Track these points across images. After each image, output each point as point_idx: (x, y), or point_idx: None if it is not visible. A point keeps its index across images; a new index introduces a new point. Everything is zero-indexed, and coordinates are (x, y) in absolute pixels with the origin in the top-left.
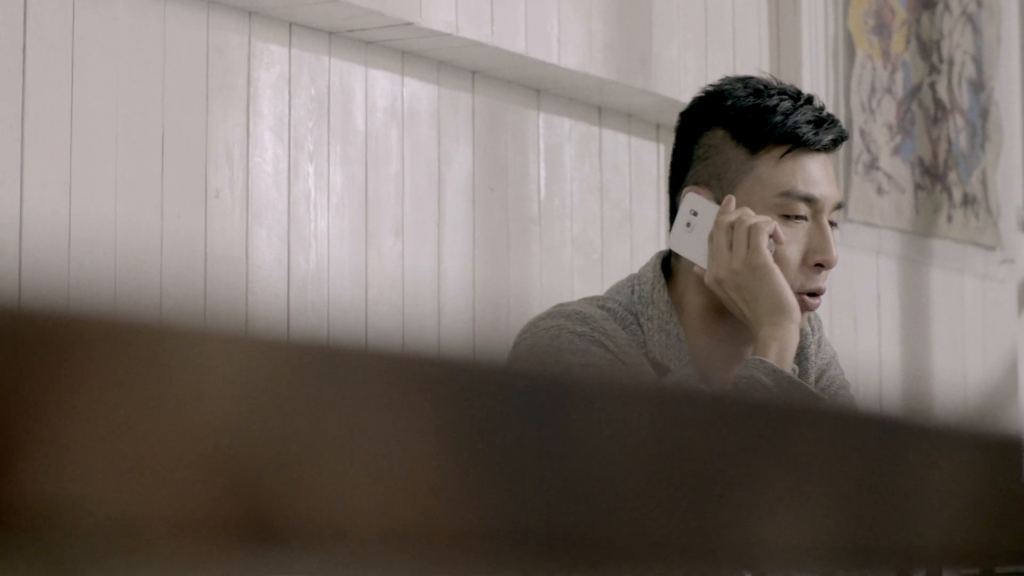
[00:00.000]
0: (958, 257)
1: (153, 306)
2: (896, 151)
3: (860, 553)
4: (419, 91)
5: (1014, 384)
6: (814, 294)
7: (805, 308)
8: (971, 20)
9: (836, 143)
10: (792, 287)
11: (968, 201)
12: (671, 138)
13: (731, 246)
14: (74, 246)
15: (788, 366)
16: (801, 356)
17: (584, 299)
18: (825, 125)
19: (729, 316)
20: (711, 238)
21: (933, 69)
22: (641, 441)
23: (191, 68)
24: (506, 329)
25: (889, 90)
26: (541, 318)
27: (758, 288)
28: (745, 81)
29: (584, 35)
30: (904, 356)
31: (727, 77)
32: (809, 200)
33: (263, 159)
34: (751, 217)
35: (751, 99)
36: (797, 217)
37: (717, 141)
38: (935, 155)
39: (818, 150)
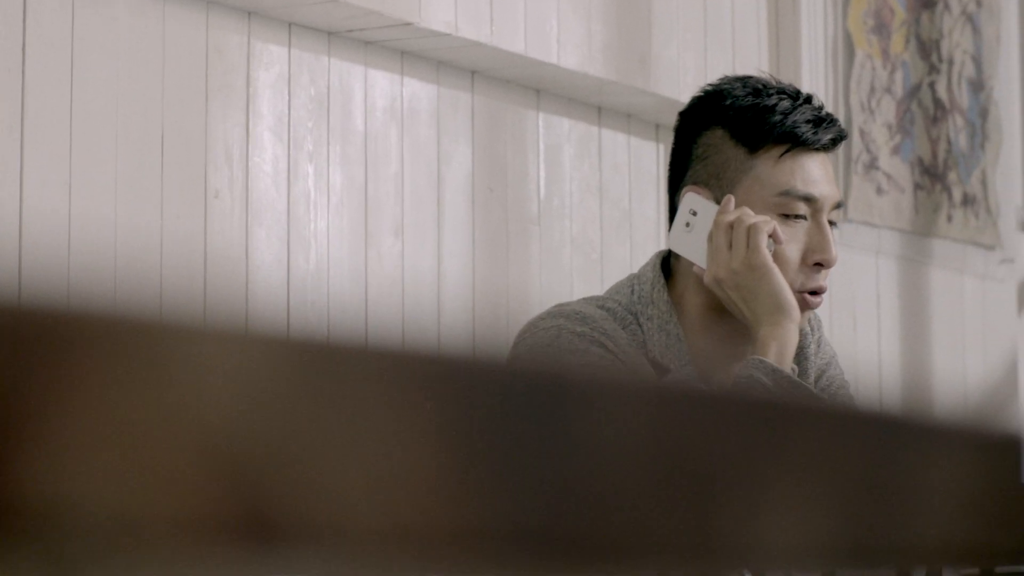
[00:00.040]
0: (958, 257)
1: (153, 306)
2: (896, 151)
3: (860, 552)
4: (418, 91)
5: (1014, 384)
6: (815, 292)
7: (806, 307)
8: (971, 20)
9: (835, 142)
10: (792, 286)
11: (968, 201)
12: (670, 138)
13: (730, 246)
14: (74, 246)
15: (788, 366)
16: (801, 356)
17: (584, 299)
18: (824, 124)
19: (729, 316)
20: (710, 238)
21: (932, 69)
22: (641, 441)
23: (191, 68)
24: (506, 329)
25: (888, 90)
26: (541, 318)
27: (757, 288)
28: (744, 81)
29: (583, 35)
30: (904, 356)
31: (726, 77)
32: (808, 199)
33: (263, 159)
34: (750, 217)
35: (750, 99)
36: (796, 216)
37: (716, 141)
38: (935, 155)
39: (817, 149)
